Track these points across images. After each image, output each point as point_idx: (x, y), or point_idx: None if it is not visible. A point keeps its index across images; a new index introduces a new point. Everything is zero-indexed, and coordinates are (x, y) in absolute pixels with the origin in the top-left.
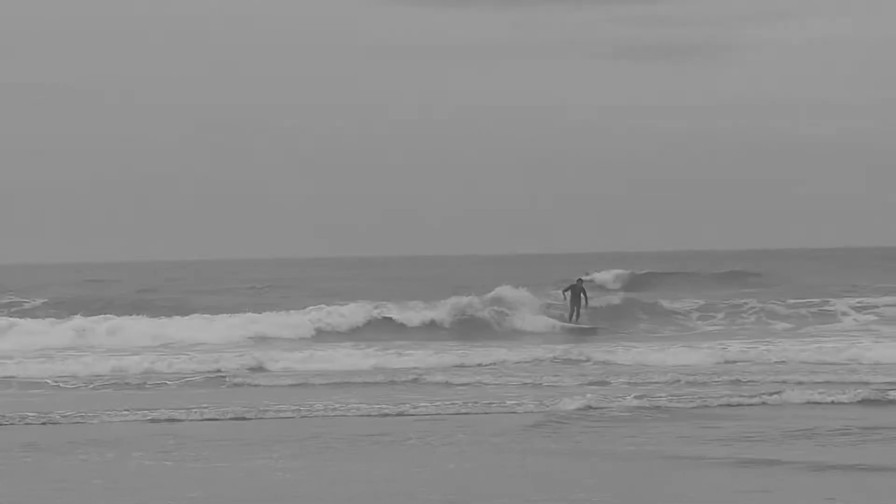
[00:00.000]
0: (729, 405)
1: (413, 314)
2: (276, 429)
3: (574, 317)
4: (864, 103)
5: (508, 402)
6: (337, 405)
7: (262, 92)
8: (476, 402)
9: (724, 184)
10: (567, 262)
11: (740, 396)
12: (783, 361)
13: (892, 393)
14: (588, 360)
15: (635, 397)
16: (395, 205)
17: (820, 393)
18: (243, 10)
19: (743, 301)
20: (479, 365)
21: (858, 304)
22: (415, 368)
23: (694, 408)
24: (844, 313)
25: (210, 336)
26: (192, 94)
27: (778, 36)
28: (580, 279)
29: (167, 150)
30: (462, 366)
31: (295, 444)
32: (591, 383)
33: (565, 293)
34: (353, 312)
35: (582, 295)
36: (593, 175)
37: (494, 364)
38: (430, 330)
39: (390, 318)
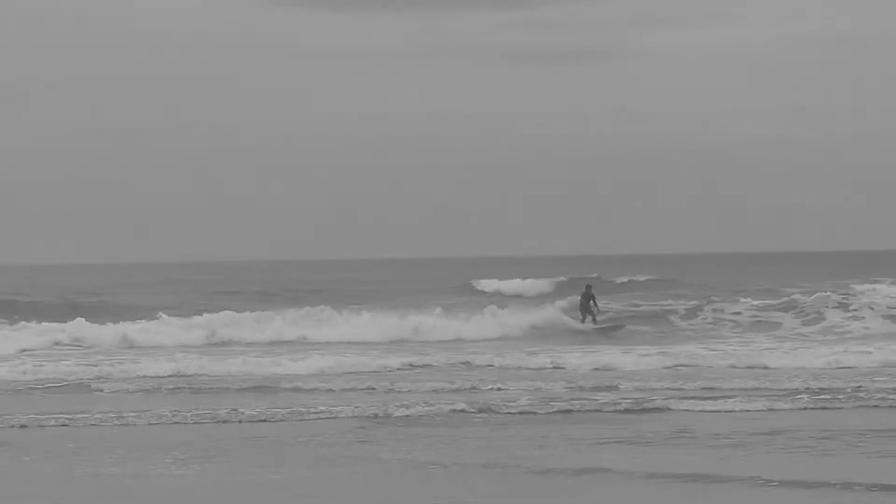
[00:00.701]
0: (598, 410)
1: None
2: (163, 433)
3: (586, 320)
4: (752, 108)
5: (417, 404)
6: (231, 409)
7: (158, 95)
8: (359, 406)
9: (610, 188)
10: (457, 267)
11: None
12: (696, 366)
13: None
14: (491, 365)
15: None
16: (290, 205)
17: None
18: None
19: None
20: (398, 369)
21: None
22: (312, 376)
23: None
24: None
25: (97, 339)
26: (76, 99)
27: (663, 42)
28: (588, 285)
29: (58, 155)
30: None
31: (187, 448)
32: (467, 388)
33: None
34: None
35: (592, 301)
36: (487, 180)
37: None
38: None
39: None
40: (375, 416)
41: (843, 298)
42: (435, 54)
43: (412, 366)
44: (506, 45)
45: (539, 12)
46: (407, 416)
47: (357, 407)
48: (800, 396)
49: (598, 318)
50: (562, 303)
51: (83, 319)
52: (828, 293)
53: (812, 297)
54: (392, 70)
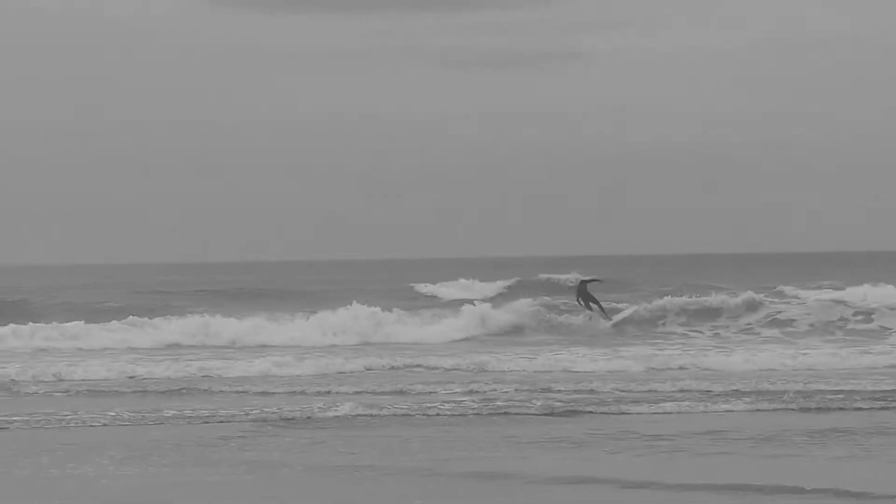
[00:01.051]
0: (549, 413)
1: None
2: (102, 435)
3: (594, 311)
4: (700, 112)
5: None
6: (171, 411)
7: (99, 100)
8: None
9: (564, 192)
10: (396, 269)
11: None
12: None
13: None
14: (437, 367)
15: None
16: (240, 205)
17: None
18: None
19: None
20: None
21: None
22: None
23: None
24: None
25: (43, 340)
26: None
27: (611, 46)
28: (582, 280)
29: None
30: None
31: (125, 449)
32: (405, 390)
33: (579, 300)
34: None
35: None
36: (434, 182)
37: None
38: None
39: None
40: (318, 417)
41: (772, 301)
42: (380, 57)
43: (367, 369)
44: (453, 47)
45: (512, 13)
46: (346, 416)
47: (301, 408)
48: (745, 398)
49: (595, 309)
50: (522, 303)
51: (22, 324)
52: (757, 296)
53: (739, 298)
54: (362, 71)
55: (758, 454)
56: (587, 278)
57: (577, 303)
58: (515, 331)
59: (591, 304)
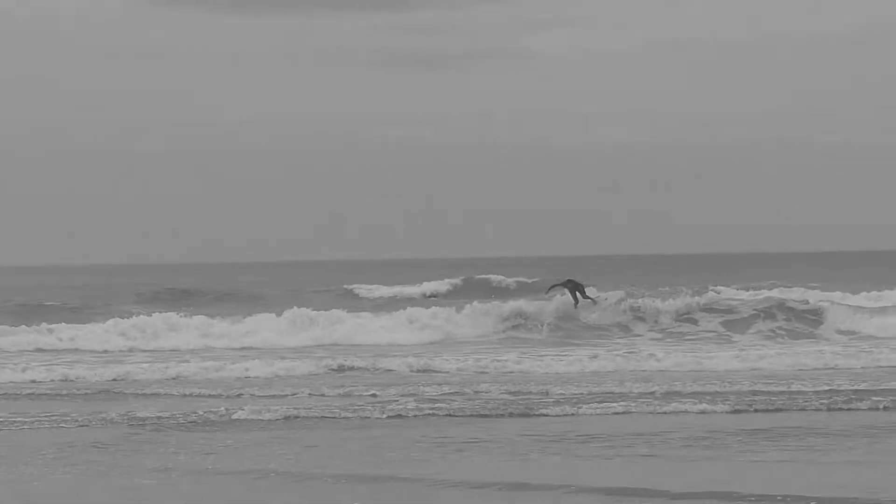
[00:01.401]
0: (507, 415)
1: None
2: (31, 438)
3: (579, 302)
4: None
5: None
6: (106, 414)
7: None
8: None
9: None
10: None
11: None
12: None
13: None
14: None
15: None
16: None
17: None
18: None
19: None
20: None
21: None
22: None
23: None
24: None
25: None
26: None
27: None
28: (570, 280)
29: None
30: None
31: (63, 449)
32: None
33: (548, 291)
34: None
35: (578, 291)
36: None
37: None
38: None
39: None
40: (255, 419)
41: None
42: (315, 57)
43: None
44: (403, 47)
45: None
46: (285, 418)
47: (243, 409)
48: (685, 399)
49: (593, 298)
50: (477, 307)
51: None
52: (692, 299)
53: (672, 300)
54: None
55: (686, 457)
56: (579, 281)
57: (544, 294)
58: (461, 332)
59: (577, 294)
